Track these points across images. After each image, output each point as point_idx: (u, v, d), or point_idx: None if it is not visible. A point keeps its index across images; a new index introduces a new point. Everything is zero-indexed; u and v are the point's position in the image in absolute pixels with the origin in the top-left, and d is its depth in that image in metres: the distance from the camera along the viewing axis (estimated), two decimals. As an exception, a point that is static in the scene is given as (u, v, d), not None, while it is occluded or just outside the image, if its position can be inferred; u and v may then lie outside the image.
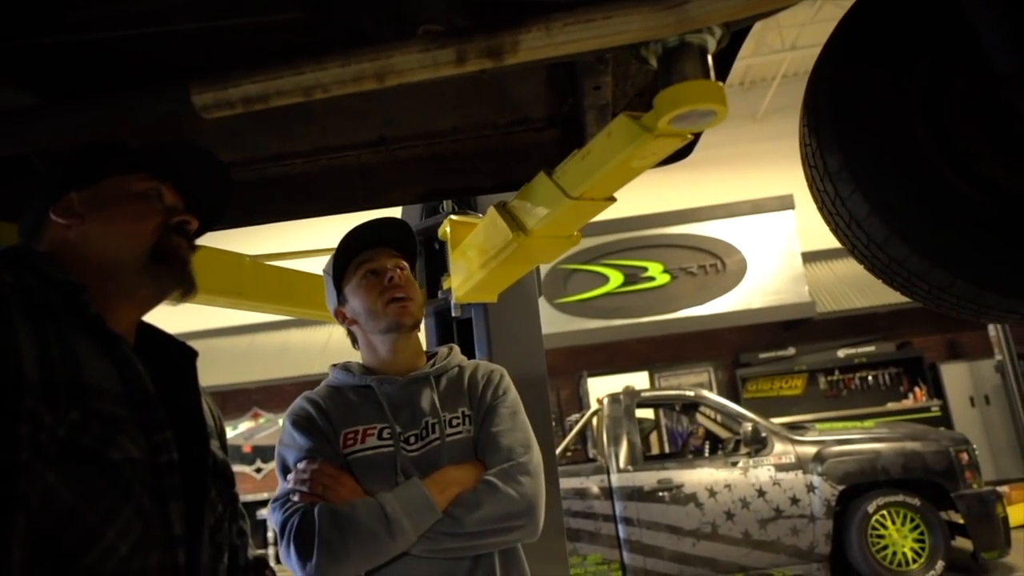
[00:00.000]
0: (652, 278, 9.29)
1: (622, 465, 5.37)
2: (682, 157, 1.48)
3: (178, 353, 1.02)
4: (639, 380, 9.80)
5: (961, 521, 5.08)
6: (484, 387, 1.45)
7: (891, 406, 9.22)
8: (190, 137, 1.20)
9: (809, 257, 9.48)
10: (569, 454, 6.29)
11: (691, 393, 6.00)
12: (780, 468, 5.19)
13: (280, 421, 6.81)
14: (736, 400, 8.86)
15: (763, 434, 5.32)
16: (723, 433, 5.85)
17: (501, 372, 1.51)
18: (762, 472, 5.19)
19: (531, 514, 1.31)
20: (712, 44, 0.99)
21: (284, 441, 1.39)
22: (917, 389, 9.44)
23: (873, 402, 9.36)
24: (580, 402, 9.96)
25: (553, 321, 8.98)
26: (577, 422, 6.39)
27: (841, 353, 9.68)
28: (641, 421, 5.91)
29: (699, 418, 6.06)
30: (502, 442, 1.36)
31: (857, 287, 9.50)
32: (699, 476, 5.26)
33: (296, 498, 1.29)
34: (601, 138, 1.18)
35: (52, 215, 0.97)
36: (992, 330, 7.58)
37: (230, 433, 10.18)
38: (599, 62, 1.28)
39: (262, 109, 1.02)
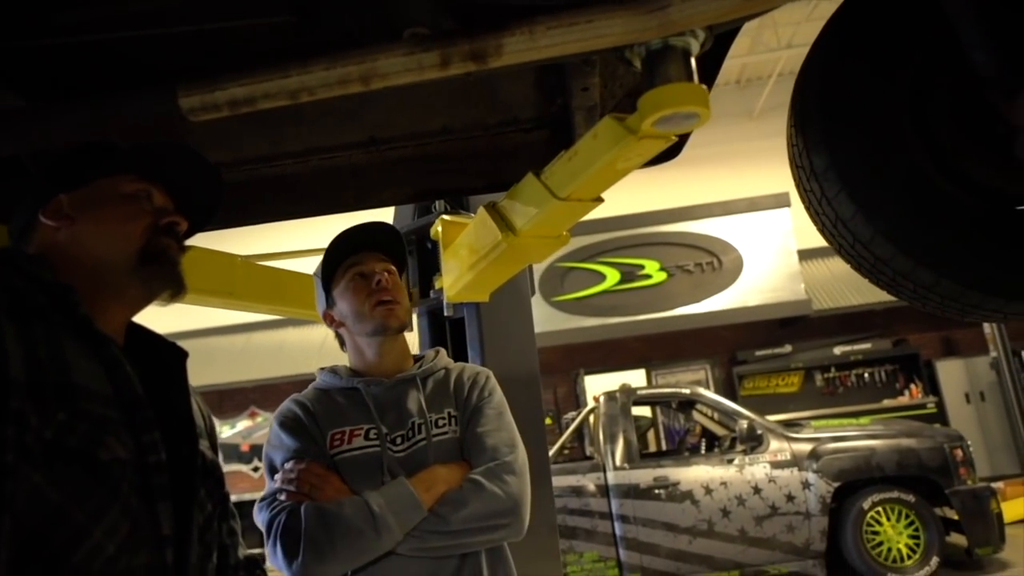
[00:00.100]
0: (649, 276, 9.29)
1: (618, 463, 5.38)
2: (670, 158, 1.48)
3: (168, 354, 1.03)
4: (636, 378, 9.82)
5: (956, 517, 5.10)
6: (470, 388, 1.46)
7: (887, 403, 9.24)
8: (180, 138, 1.21)
9: (805, 255, 9.48)
10: (566, 452, 6.30)
11: (687, 391, 6.02)
12: (776, 465, 5.21)
13: (277, 420, 6.77)
14: (733, 397, 8.91)
15: (759, 431, 5.34)
16: (719, 430, 5.86)
17: (487, 374, 1.52)
18: (758, 469, 5.21)
19: (516, 513, 1.31)
20: (695, 47, 0.99)
21: (271, 442, 1.40)
22: (913, 386, 9.46)
23: (869, 399, 9.38)
24: (577, 400, 9.95)
25: (550, 319, 8.99)
26: (574, 420, 6.41)
27: (837, 350, 9.70)
28: (637, 419, 5.93)
29: (695, 416, 6.08)
30: (487, 442, 1.37)
31: (853, 285, 9.50)
32: (695, 473, 5.27)
33: (283, 497, 1.29)
34: (587, 139, 1.18)
35: (41, 217, 0.97)
36: (987, 327, 7.61)
37: (228, 432, 10.19)
38: (586, 64, 1.28)
39: (250, 112, 1.03)
